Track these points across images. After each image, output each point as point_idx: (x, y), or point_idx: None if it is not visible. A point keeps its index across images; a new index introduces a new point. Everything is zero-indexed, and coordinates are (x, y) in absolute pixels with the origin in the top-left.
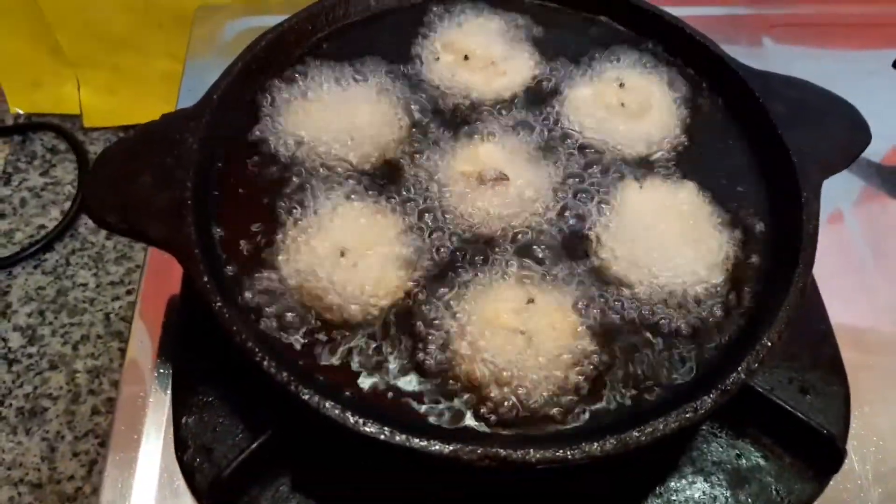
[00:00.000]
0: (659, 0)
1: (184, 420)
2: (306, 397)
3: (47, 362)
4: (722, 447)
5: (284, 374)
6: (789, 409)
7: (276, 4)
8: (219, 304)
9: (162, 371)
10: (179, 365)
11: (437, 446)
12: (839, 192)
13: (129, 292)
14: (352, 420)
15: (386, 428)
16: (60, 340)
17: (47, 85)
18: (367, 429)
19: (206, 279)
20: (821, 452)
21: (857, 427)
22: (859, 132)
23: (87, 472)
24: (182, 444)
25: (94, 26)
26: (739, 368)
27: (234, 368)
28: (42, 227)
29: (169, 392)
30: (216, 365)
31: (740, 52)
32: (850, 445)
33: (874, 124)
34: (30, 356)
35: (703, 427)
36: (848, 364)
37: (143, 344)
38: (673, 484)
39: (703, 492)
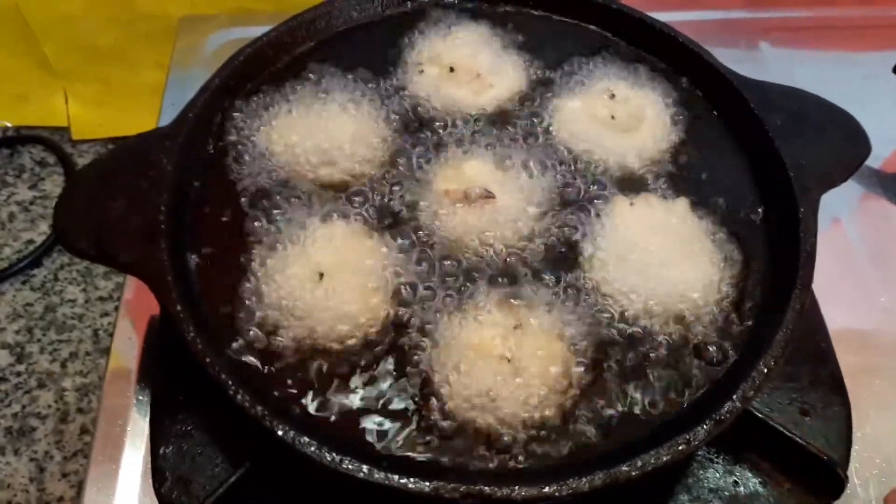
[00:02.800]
0: (654, 5)
1: (161, 450)
2: (281, 432)
3: (35, 380)
4: (719, 473)
5: (259, 408)
6: (788, 434)
7: (261, 15)
8: (192, 334)
9: (141, 398)
10: (158, 392)
11: (417, 484)
12: (839, 198)
13: (117, 308)
14: (329, 457)
15: (364, 465)
16: (49, 358)
17: (35, 98)
18: (346, 466)
19: (178, 308)
20: (821, 478)
21: (859, 449)
22: (858, 144)
23: (76, 494)
24: (160, 475)
25: (80, 38)
26: (735, 396)
27: (211, 397)
28: (31, 241)
29: (147, 419)
30: (194, 393)
31: (737, 57)
32: (853, 469)
33: (873, 129)
34: (18, 374)
35: (700, 452)
36: (849, 370)
37: (123, 367)
38: None
39: None
